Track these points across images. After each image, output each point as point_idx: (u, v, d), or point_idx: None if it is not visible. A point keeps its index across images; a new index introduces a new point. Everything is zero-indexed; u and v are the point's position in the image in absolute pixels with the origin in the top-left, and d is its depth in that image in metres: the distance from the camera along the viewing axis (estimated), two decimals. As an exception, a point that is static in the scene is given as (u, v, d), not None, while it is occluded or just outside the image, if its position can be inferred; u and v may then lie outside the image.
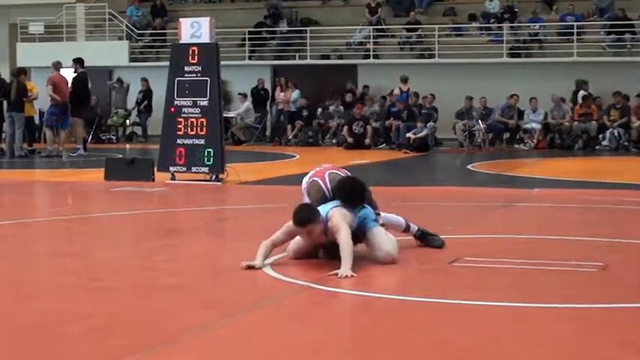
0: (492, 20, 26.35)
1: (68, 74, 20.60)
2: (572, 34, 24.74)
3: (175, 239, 8.65)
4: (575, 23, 24.98)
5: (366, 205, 7.13)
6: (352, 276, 6.34)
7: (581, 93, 23.51)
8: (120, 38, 28.93)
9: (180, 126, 13.67)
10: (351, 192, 7.00)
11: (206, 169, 13.64)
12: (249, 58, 27.44)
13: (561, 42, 25.32)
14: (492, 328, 5.14)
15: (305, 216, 6.72)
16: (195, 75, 13.66)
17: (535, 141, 23.01)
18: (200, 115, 13.61)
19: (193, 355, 4.59)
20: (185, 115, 13.67)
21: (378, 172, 16.10)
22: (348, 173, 7.45)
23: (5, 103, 20.29)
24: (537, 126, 23.14)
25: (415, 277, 6.77)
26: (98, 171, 14.76)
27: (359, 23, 27.28)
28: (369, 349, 4.72)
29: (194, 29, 13.78)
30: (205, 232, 9.34)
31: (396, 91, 24.06)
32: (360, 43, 26.96)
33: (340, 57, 27.06)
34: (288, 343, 4.82)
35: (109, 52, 27.78)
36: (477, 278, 6.58)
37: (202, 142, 13.56)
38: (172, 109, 13.80)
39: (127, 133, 26.83)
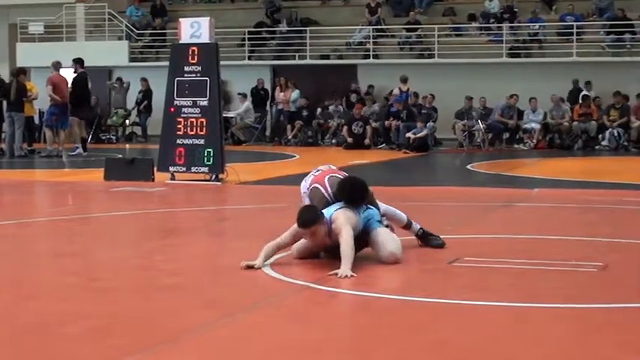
0: (492, 20, 26.36)
1: (68, 74, 20.60)
2: (571, 34, 24.75)
3: (175, 239, 8.65)
4: (574, 23, 24.98)
5: (371, 207, 7.14)
6: (352, 276, 6.34)
7: (584, 93, 23.53)
8: (120, 38, 28.93)
9: (179, 126, 13.67)
10: (352, 191, 7.01)
11: (206, 169, 13.65)
12: (249, 58, 27.44)
13: (561, 42, 25.33)
14: (492, 328, 5.15)
15: (309, 217, 6.74)
16: (194, 75, 13.66)
17: (535, 141, 23.02)
18: (200, 115, 13.61)
19: (193, 355, 4.59)
20: (185, 115, 13.67)
21: (377, 173, 16.09)
22: (347, 175, 7.46)
23: (5, 103, 20.30)
24: (537, 126, 23.14)
25: (415, 277, 6.77)
26: (98, 171, 14.76)
27: (359, 23, 27.29)
28: (369, 349, 4.72)
29: (194, 29, 13.78)
30: (205, 232, 9.34)
31: (396, 91, 24.05)
32: (360, 43, 26.97)
33: (340, 57, 27.07)
34: (288, 343, 4.83)
35: (109, 52, 27.78)
36: (476, 278, 6.59)
37: (202, 142, 13.57)
38: (172, 109, 13.80)
39: (127, 133, 26.83)
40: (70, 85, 20.27)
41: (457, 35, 26.65)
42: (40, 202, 12.97)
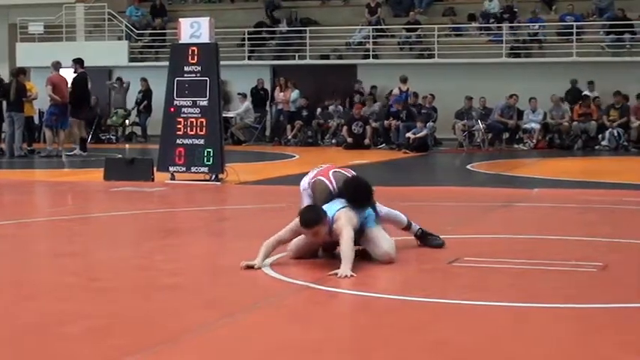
0: (492, 20, 26.36)
1: (68, 74, 20.60)
2: (571, 34, 24.75)
3: (175, 239, 8.65)
4: (574, 23, 24.99)
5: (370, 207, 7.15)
6: (352, 276, 6.34)
7: (584, 93, 23.53)
8: (119, 38, 28.93)
9: (179, 126, 13.67)
10: (356, 192, 7.02)
11: (206, 169, 13.64)
12: (249, 58, 27.44)
13: (561, 42, 25.33)
14: (492, 328, 5.14)
15: (311, 217, 6.75)
16: (194, 75, 13.66)
17: (534, 141, 23.02)
18: (200, 115, 13.61)
19: (193, 355, 4.59)
20: (185, 115, 13.67)
21: (377, 172, 16.08)
22: (353, 172, 7.48)
23: (5, 103, 20.29)
24: (537, 126, 23.15)
25: (415, 277, 6.77)
26: (98, 171, 14.75)
27: (358, 23, 27.29)
28: (369, 349, 4.72)
29: (194, 29, 13.78)
30: (205, 232, 9.33)
31: (396, 91, 24.05)
32: (360, 43, 26.97)
33: (340, 57, 27.07)
34: (288, 343, 4.83)
35: (109, 52, 27.78)
36: (476, 278, 6.58)
37: (202, 142, 13.57)
38: (172, 109, 13.80)
39: (127, 133, 26.83)
40: (69, 85, 20.27)
41: (457, 35, 26.65)
42: (39, 202, 12.97)
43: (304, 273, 6.62)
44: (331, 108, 25.16)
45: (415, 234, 7.66)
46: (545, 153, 21.69)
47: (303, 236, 6.96)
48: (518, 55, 25.55)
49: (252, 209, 11.32)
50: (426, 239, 7.65)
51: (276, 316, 5.50)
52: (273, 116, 26.30)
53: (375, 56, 26.58)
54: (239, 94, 25.95)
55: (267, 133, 26.42)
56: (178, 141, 13.67)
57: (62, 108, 20.08)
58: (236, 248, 7.71)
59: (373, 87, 25.81)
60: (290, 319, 5.45)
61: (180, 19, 14.30)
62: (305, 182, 7.48)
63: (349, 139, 22.92)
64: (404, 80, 23.99)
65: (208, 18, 14.25)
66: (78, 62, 20.38)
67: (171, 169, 13.80)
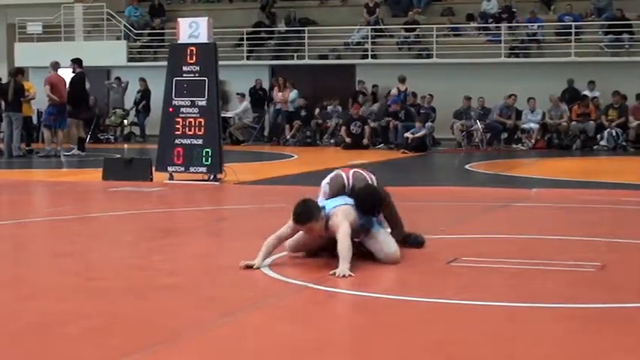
0: (490, 20, 26.35)
1: (66, 74, 20.59)
2: (570, 34, 24.76)
3: (174, 239, 8.65)
4: (573, 23, 24.99)
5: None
6: (350, 275, 6.34)
7: (584, 92, 23.54)
8: (118, 38, 28.92)
9: (178, 126, 13.66)
10: (365, 201, 6.98)
11: (204, 169, 13.64)
12: (247, 58, 27.44)
13: (559, 42, 25.33)
14: (491, 327, 5.15)
15: (303, 213, 6.75)
16: (193, 75, 13.66)
17: (533, 141, 23.01)
18: (198, 115, 13.61)
19: (192, 355, 4.59)
20: (183, 115, 13.67)
21: (376, 173, 16.06)
22: (373, 178, 7.48)
23: (3, 103, 20.28)
24: (535, 126, 23.14)
25: (414, 276, 6.77)
26: (96, 171, 14.75)
27: (357, 23, 27.29)
28: (368, 349, 4.72)
29: (192, 29, 13.77)
30: (204, 231, 9.33)
31: (394, 91, 24.04)
32: (358, 43, 26.97)
33: (338, 57, 27.07)
34: (287, 342, 4.83)
35: (107, 52, 27.77)
36: (475, 278, 6.59)
37: (200, 142, 13.56)
38: (170, 109, 13.79)
39: (125, 133, 26.80)
40: (68, 85, 20.25)
41: (455, 35, 26.65)
42: (38, 202, 12.96)
43: (303, 273, 6.62)
44: (330, 108, 25.15)
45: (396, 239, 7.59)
46: (544, 153, 21.69)
47: (298, 235, 6.97)
48: (516, 55, 25.55)
49: (250, 209, 11.32)
50: (407, 239, 7.58)
51: (275, 316, 5.50)
52: (272, 116, 26.28)
53: (374, 56, 26.58)
54: (237, 94, 25.94)
55: (266, 133, 26.41)
56: (177, 141, 13.66)
57: (60, 108, 20.07)
58: (234, 248, 7.71)
59: (375, 86, 25.81)
60: (289, 318, 5.45)
61: (179, 19, 14.30)
62: (327, 177, 7.48)
63: (348, 139, 22.91)
64: (402, 80, 23.98)
65: (207, 18, 14.24)
66: (76, 62, 20.37)
67: (169, 169, 13.79)
